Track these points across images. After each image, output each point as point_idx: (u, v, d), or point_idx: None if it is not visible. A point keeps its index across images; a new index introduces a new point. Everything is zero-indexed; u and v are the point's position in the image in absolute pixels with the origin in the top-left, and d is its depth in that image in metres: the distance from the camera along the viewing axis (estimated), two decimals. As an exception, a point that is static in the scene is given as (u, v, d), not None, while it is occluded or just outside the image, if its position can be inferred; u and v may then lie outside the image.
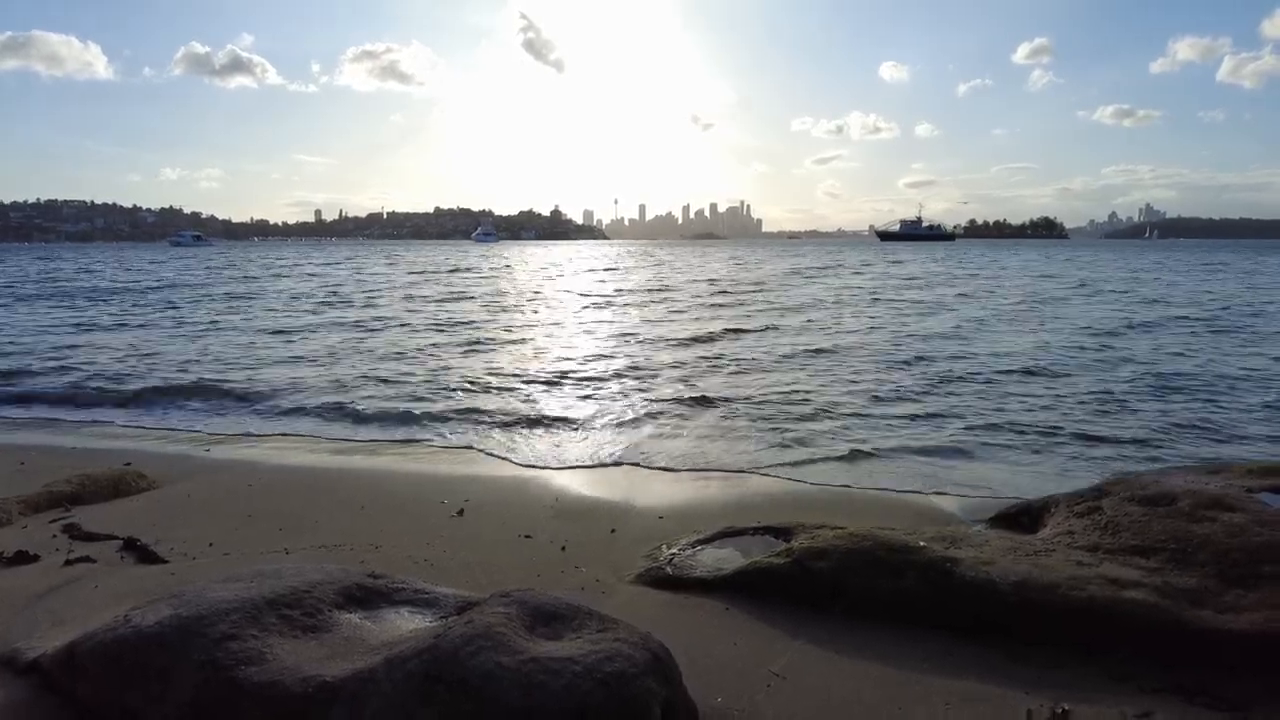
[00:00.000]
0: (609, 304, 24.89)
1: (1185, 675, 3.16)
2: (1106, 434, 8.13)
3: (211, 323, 18.95)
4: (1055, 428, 8.40)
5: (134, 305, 24.02)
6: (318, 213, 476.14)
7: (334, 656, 2.65)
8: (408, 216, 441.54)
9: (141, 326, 18.24)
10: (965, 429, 8.42)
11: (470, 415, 8.95)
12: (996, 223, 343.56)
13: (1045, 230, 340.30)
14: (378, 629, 2.90)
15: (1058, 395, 10.06)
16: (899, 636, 3.58)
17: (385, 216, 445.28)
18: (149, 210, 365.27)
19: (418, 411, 9.16)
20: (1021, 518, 4.69)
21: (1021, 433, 8.23)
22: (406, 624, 2.94)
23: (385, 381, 11.17)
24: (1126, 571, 3.61)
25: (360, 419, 8.89)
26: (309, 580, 3.07)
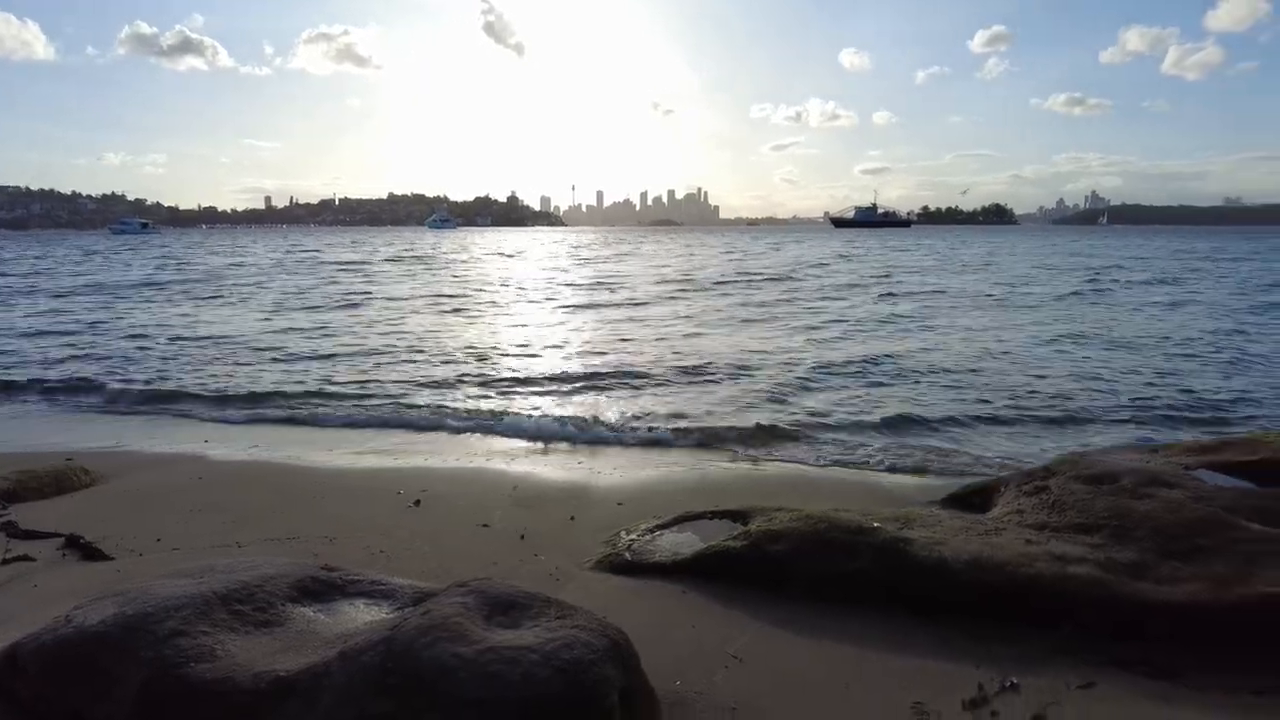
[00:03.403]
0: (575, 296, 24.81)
1: (1126, 646, 3.27)
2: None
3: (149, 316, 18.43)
4: (1017, 409, 8.62)
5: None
6: (268, 199, 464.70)
7: (288, 651, 2.60)
8: (361, 203, 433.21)
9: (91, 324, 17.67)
10: (924, 411, 8.58)
11: (429, 406, 8.85)
12: (950, 209, 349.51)
13: (996, 217, 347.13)
14: (333, 622, 2.86)
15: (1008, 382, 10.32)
16: (855, 616, 3.64)
17: (338, 203, 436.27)
18: (89, 197, 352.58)
19: (374, 402, 9.03)
20: (973, 498, 4.79)
21: (977, 417, 8.41)
22: (362, 616, 2.90)
23: (339, 372, 10.99)
24: (1072, 548, 3.71)
25: (312, 410, 8.73)
26: (261, 574, 3.01)
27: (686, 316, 17.03)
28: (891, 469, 6.50)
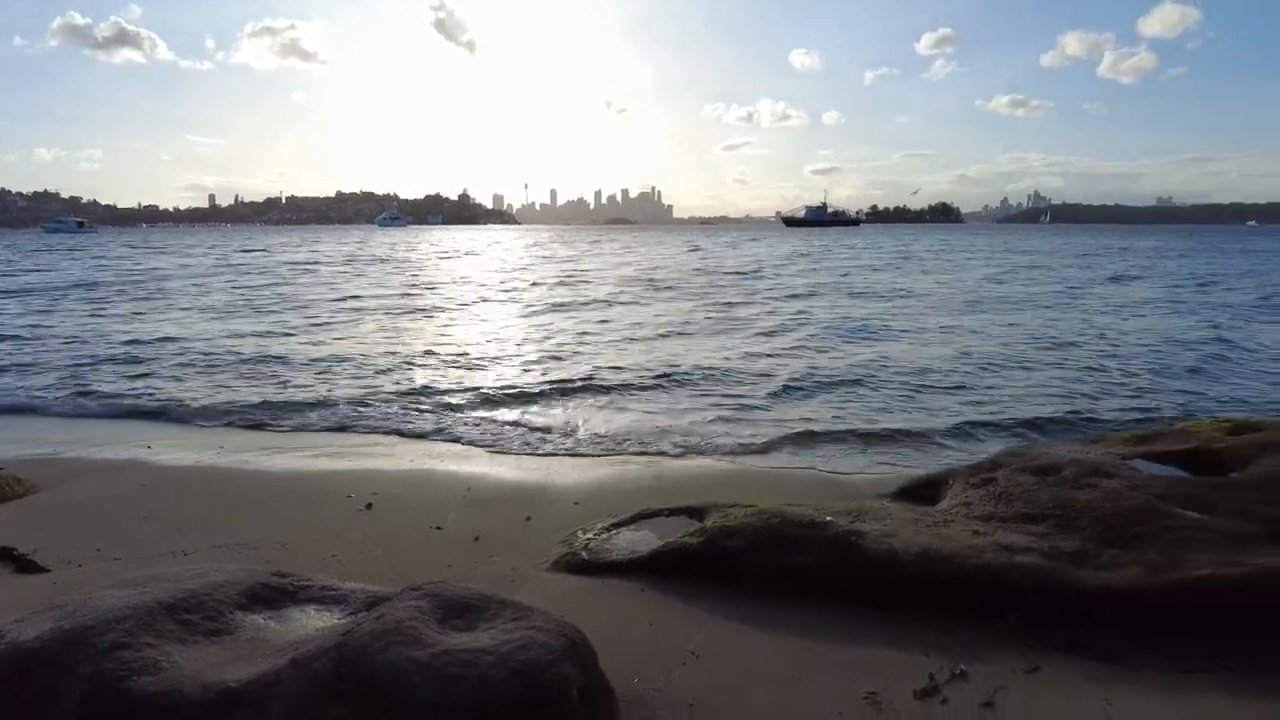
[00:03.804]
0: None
1: (1070, 631, 3.39)
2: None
3: (91, 315, 17.80)
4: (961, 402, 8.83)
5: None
6: (211, 197, 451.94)
7: (237, 660, 2.54)
8: (308, 201, 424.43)
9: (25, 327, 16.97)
10: (873, 406, 8.75)
11: (379, 408, 8.72)
12: (898, 208, 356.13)
13: (943, 215, 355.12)
14: (284, 629, 2.80)
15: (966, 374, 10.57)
16: (809, 609, 3.70)
17: (284, 201, 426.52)
18: (19, 194, 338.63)
19: (323, 405, 8.87)
20: (923, 490, 4.89)
21: (929, 411, 8.60)
22: (314, 623, 2.85)
23: (287, 373, 10.76)
24: (1018, 538, 3.82)
25: (262, 413, 8.53)
26: (209, 582, 2.94)
27: (656, 319, 16.71)
28: (844, 462, 6.62)
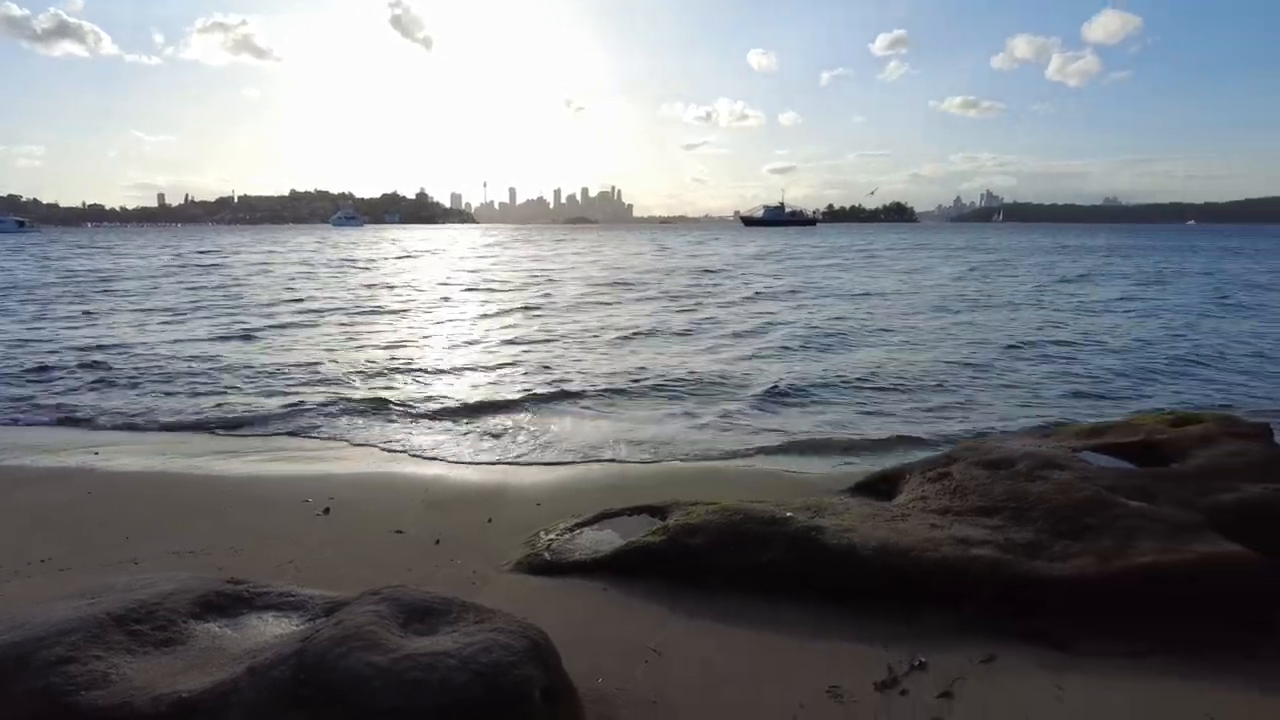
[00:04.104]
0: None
1: (1024, 621, 3.48)
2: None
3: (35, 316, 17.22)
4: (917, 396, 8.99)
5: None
6: (160, 196, 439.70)
7: (191, 670, 2.49)
8: (262, 200, 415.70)
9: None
10: (832, 402, 8.86)
11: (336, 411, 8.58)
12: (853, 208, 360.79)
13: (898, 215, 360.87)
14: (240, 637, 2.75)
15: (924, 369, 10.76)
16: (770, 604, 3.74)
17: (236, 200, 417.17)
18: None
19: (278, 408, 8.70)
20: (880, 485, 4.96)
21: (883, 408, 8.73)
22: (271, 630, 2.80)
23: (242, 377, 10.53)
24: (974, 531, 3.90)
25: (216, 417, 8.34)
26: (161, 591, 2.87)
27: (624, 322, 16.29)
28: (805, 461, 6.70)
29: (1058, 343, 13.24)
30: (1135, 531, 3.62)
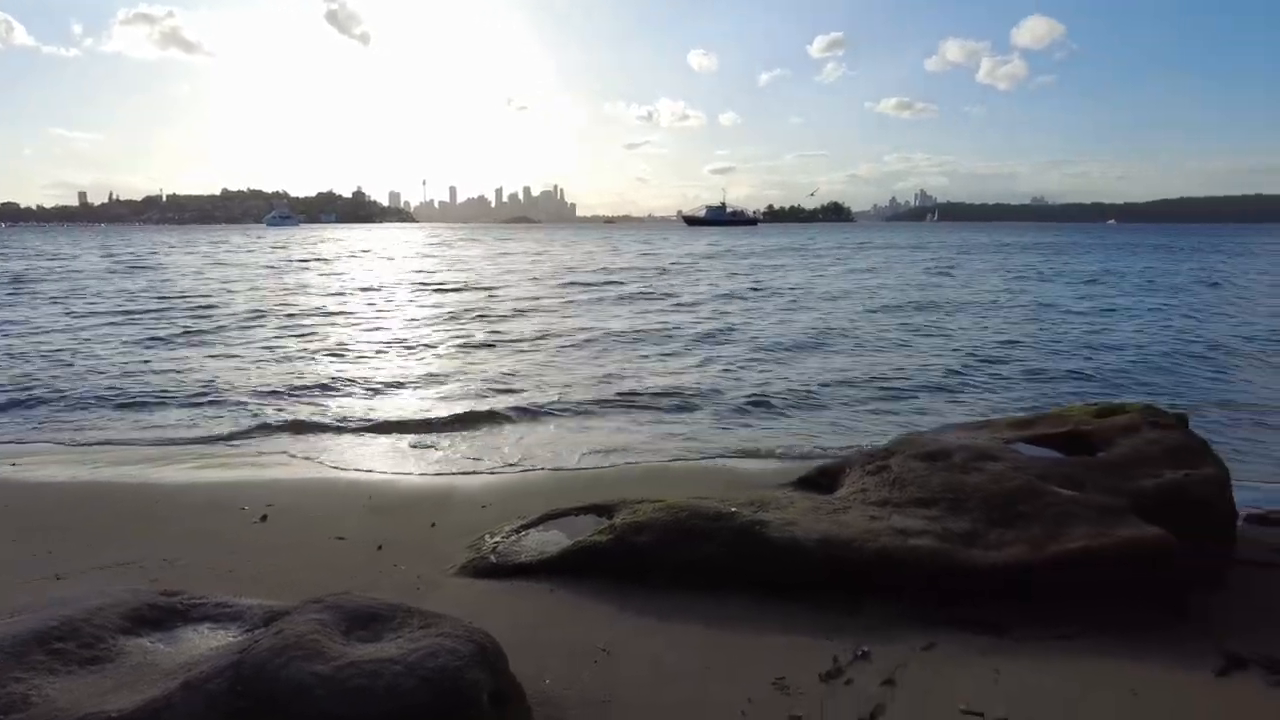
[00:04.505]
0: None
1: (962, 608, 3.59)
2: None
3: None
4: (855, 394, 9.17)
5: None
6: (82, 195, 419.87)
7: (121, 688, 2.39)
8: (192, 200, 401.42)
9: None
10: (774, 400, 8.98)
11: (273, 417, 8.35)
12: (793, 208, 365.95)
13: (835, 215, 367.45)
14: (174, 651, 2.65)
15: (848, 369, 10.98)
16: (718, 599, 3.77)
17: (165, 199, 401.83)
18: None
19: (213, 413, 8.43)
20: (821, 479, 5.04)
21: (823, 405, 8.89)
22: (207, 642, 2.71)
23: (174, 382, 10.17)
24: (912, 522, 4.00)
25: (145, 423, 8.03)
26: (86, 607, 2.75)
27: (577, 326, 15.65)
28: (747, 455, 6.78)
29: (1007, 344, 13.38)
30: (1065, 518, 3.76)
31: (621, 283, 26.54)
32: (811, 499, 4.50)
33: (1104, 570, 3.56)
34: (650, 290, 23.33)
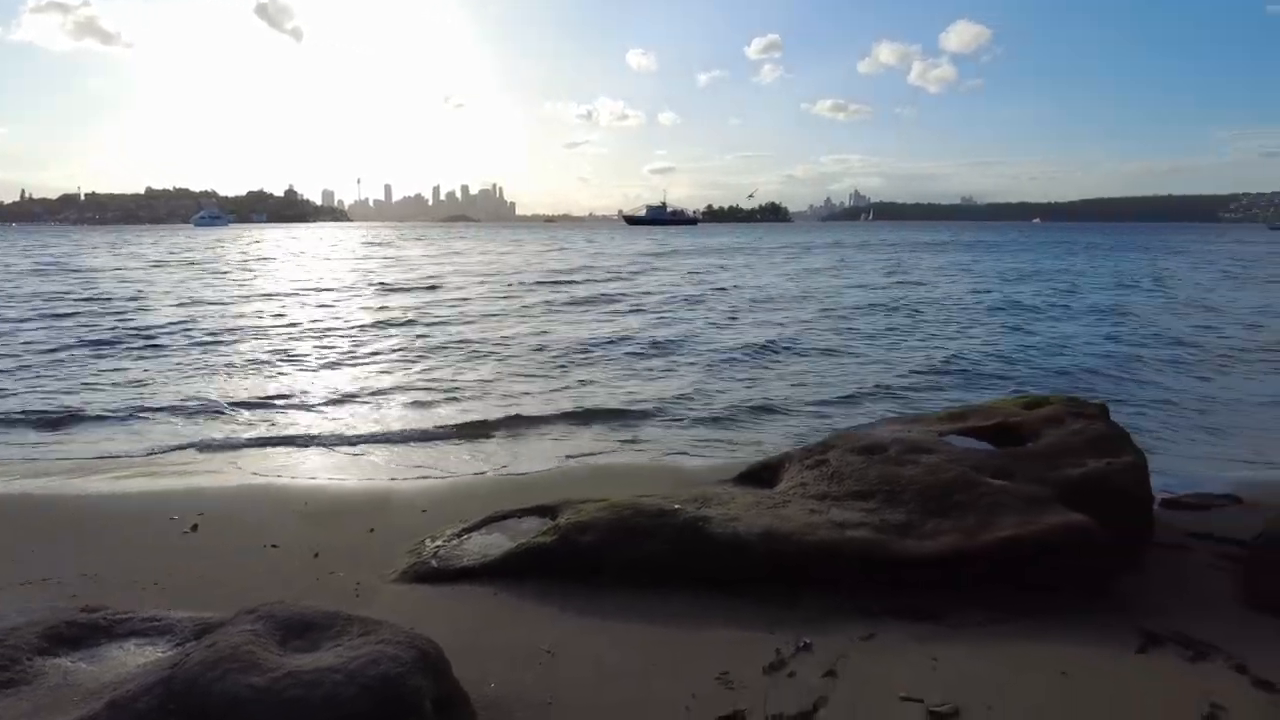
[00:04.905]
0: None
1: (900, 597, 3.69)
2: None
3: None
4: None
5: None
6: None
7: (39, 712, 2.28)
8: (113, 198, 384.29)
9: None
10: (715, 397, 9.06)
11: (205, 423, 8.08)
12: (732, 208, 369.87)
13: (773, 215, 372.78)
14: (98, 670, 2.54)
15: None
16: (662, 597, 3.79)
17: (83, 198, 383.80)
18: None
19: (139, 420, 8.11)
20: (762, 473, 5.10)
21: (763, 407, 9.00)
22: (134, 659, 2.61)
23: (97, 390, 9.74)
24: (850, 514, 4.09)
25: (66, 433, 7.66)
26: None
27: (528, 334, 14.89)
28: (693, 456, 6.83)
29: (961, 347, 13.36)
30: (996, 507, 3.89)
31: (574, 283, 26.24)
32: (753, 494, 4.56)
33: (1033, 557, 3.69)
34: (606, 293, 22.58)
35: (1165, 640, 3.33)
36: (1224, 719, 2.73)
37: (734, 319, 16.88)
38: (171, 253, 48.52)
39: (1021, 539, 3.69)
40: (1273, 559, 3.79)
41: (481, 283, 26.92)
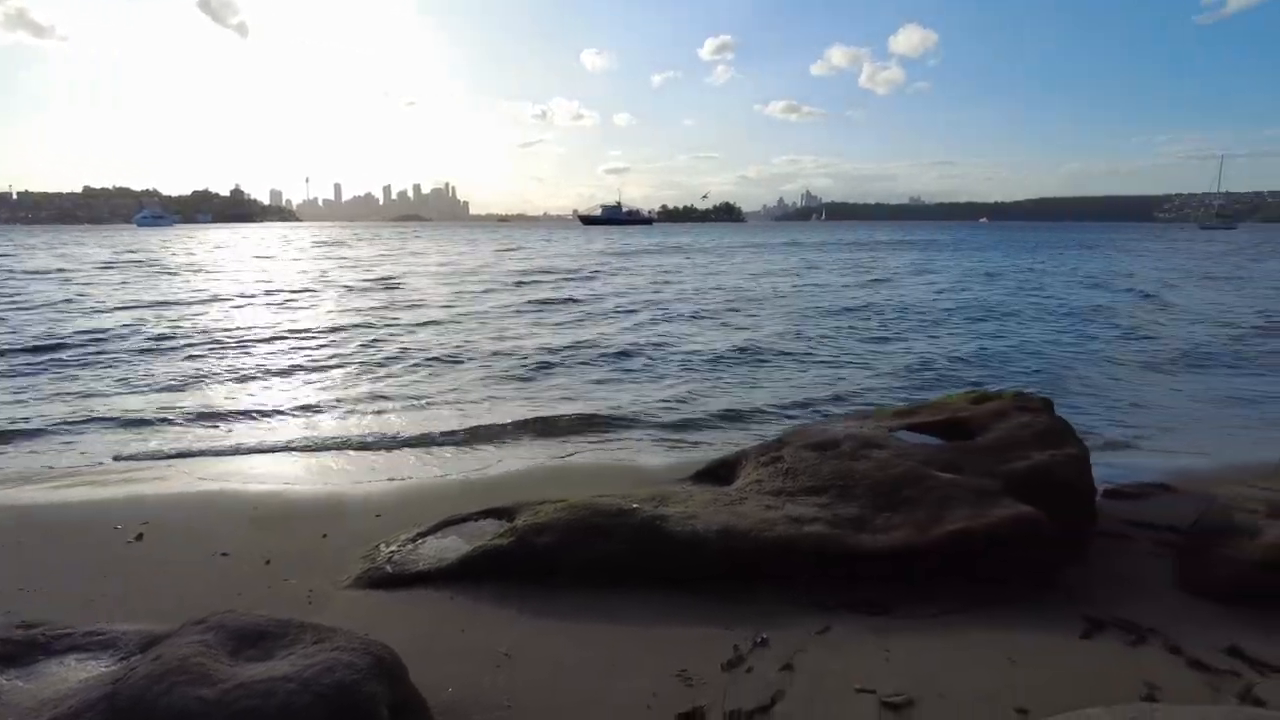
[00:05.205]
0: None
1: (854, 591, 3.76)
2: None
3: None
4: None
5: None
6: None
7: (-28, 733, 2.20)
8: (49, 198, 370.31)
9: None
10: (667, 396, 9.09)
11: (145, 429, 7.83)
12: (687, 208, 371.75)
13: (727, 215, 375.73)
14: (35, 688, 2.45)
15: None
16: (621, 596, 3.80)
17: (15, 197, 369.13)
18: None
19: (76, 427, 7.82)
20: (719, 471, 5.15)
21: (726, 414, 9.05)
22: (75, 675, 2.52)
23: (37, 397, 9.38)
24: (805, 509, 4.15)
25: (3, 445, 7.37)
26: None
27: (482, 337, 14.78)
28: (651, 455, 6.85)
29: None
30: (946, 501, 3.98)
31: (538, 283, 25.85)
32: (711, 491, 4.59)
33: (983, 549, 3.79)
34: (572, 296, 21.77)
35: (1107, 625, 3.45)
36: (1160, 699, 2.84)
37: (698, 320, 16.89)
38: (116, 254, 46.88)
39: (972, 531, 3.78)
40: (1206, 546, 3.95)
41: (440, 284, 26.53)
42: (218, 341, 13.90)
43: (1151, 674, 3.03)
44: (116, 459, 6.86)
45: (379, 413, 8.59)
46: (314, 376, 10.68)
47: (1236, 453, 6.66)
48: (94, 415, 8.33)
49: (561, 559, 3.98)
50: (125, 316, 17.16)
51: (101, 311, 18.07)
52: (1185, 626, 3.43)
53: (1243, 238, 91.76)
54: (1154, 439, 7.40)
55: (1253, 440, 7.22)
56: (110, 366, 11.45)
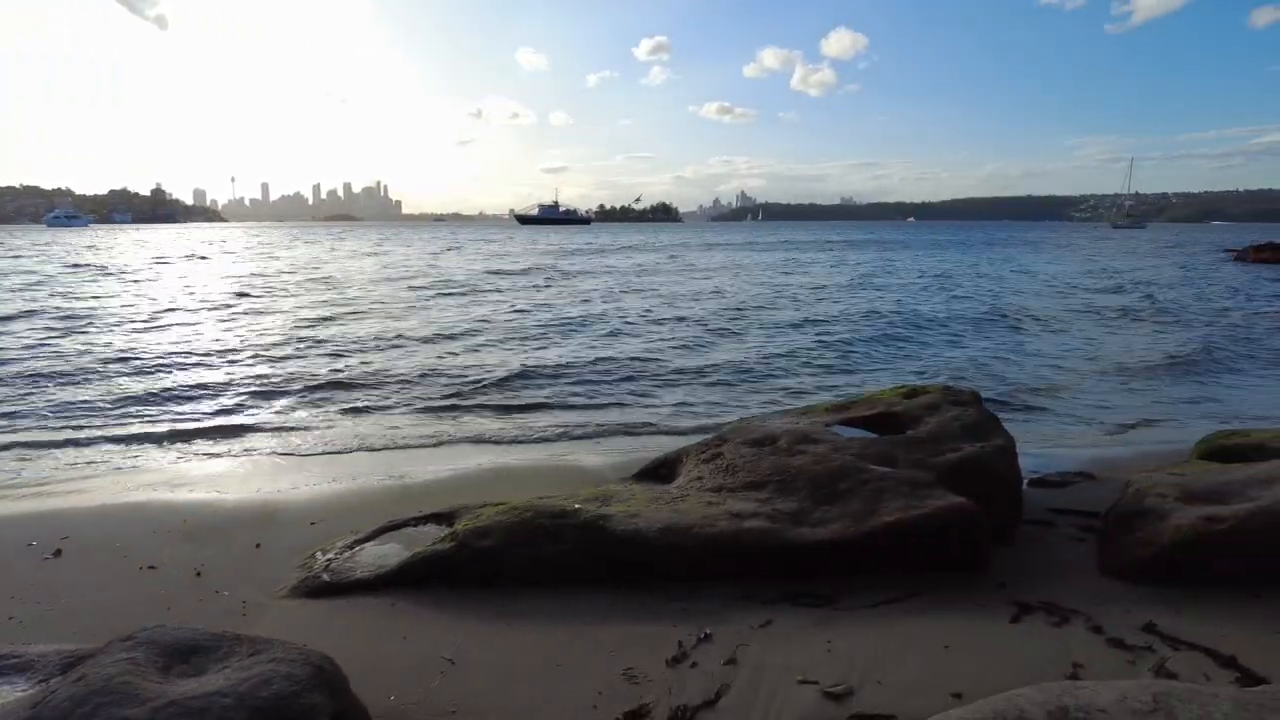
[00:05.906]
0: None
1: (794, 584, 3.83)
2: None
3: None
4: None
5: None
6: None
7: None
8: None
9: None
10: (603, 396, 9.10)
11: (61, 435, 7.47)
12: (624, 208, 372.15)
13: (664, 215, 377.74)
14: (-56, 717, 2.32)
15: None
16: (565, 597, 3.79)
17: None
18: None
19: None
20: (661, 469, 5.18)
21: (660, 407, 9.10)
22: (-12, 701, 2.39)
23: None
24: (745, 505, 4.20)
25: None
26: None
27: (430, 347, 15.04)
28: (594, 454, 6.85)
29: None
30: (881, 493, 4.09)
31: (479, 291, 24.46)
32: (652, 490, 4.62)
33: (917, 538, 3.90)
34: (532, 302, 20.75)
35: (1034, 609, 3.59)
36: (1083, 676, 2.97)
37: (648, 316, 17.05)
38: (14, 256, 44.38)
39: (905, 523, 3.89)
40: (1122, 531, 4.15)
41: (377, 284, 26.00)
42: (140, 346, 13.31)
43: (1076, 653, 3.17)
44: (31, 472, 6.52)
45: (316, 419, 8.38)
46: (249, 384, 10.33)
47: (1154, 441, 7.02)
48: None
49: (504, 562, 3.95)
50: (38, 322, 16.28)
51: (9, 315, 17.12)
52: (1105, 607, 3.59)
53: (1148, 235, 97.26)
54: (1073, 426, 7.77)
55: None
56: (20, 370, 10.88)
